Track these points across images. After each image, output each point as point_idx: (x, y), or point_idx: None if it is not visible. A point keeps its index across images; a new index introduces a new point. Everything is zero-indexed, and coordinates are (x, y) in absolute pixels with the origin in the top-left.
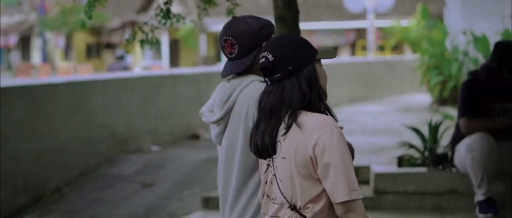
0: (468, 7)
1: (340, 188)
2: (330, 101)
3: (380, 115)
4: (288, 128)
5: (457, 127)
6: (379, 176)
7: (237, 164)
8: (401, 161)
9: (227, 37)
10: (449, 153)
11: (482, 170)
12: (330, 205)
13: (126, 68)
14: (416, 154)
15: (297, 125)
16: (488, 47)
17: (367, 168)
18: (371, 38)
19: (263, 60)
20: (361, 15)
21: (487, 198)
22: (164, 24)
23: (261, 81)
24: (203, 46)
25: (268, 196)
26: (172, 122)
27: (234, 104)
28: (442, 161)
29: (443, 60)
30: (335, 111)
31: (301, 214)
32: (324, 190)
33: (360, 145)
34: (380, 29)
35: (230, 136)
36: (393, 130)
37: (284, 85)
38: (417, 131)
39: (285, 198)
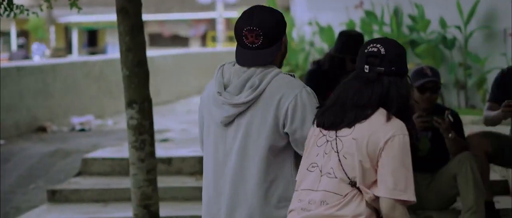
0: None
1: (393, 185)
2: (178, 91)
3: None
4: (368, 115)
5: None
6: None
7: (261, 149)
8: None
9: (253, 27)
10: None
11: None
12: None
13: None
14: None
15: (380, 117)
16: (333, 38)
17: None
18: (221, 29)
19: (375, 50)
20: (211, 6)
21: None
22: (8, 15)
23: (287, 74)
24: (53, 37)
25: (311, 170)
26: (18, 115)
27: (263, 92)
28: None
29: (290, 50)
30: (183, 102)
31: (360, 192)
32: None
33: None
34: (229, 20)
35: (254, 121)
36: None
37: (382, 80)
38: None
39: (346, 174)
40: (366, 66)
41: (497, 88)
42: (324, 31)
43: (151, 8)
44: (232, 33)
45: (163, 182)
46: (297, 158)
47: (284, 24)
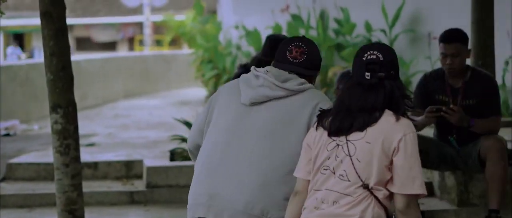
0: (239, 2)
1: (411, 182)
2: (104, 96)
3: (156, 109)
4: (378, 118)
5: None
6: (151, 170)
7: (291, 138)
8: (173, 155)
9: (302, 44)
10: None
11: None
12: (391, 194)
13: None
14: None
15: (389, 118)
16: (260, 41)
17: (140, 162)
18: (148, 33)
19: (374, 57)
20: (138, 10)
21: None
22: None
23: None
24: None
25: (323, 172)
26: None
27: (305, 91)
28: None
29: (217, 54)
30: (110, 106)
31: (372, 193)
32: (391, 178)
33: (134, 139)
34: (156, 24)
35: (291, 110)
36: (167, 124)
37: (384, 84)
38: (188, 124)
39: (359, 177)
40: (367, 73)
41: (419, 93)
42: (251, 34)
43: (78, 12)
44: (160, 37)
45: (89, 186)
46: None
47: (320, 65)
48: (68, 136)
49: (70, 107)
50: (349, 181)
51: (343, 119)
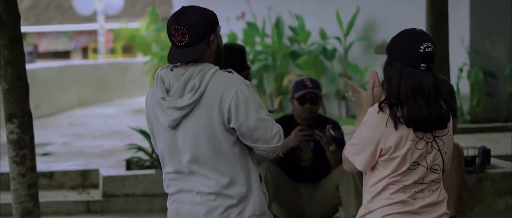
0: None
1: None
2: (59, 105)
3: (111, 117)
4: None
5: None
6: (108, 179)
7: (212, 146)
8: (129, 164)
9: (179, 27)
10: None
11: None
12: None
13: None
14: (145, 156)
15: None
16: None
17: (96, 172)
18: (102, 41)
19: (431, 50)
20: (92, 18)
21: None
22: None
23: (225, 71)
24: None
25: (412, 168)
26: None
27: (204, 91)
28: None
29: None
30: (65, 114)
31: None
32: None
33: (90, 148)
34: (111, 32)
35: (200, 121)
36: (123, 133)
37: (434, 73)
38: (144, 133)
39: (444, 167)
40: (423, 65)
41: None
42: None
43: (31, 20)
44: (115, 45)
45: (45, 196)
46: (252, 151)
47: (211, 23)
48: (24, 146)
49: (25, 117)
50: (439, 172)
51: (419, 112)
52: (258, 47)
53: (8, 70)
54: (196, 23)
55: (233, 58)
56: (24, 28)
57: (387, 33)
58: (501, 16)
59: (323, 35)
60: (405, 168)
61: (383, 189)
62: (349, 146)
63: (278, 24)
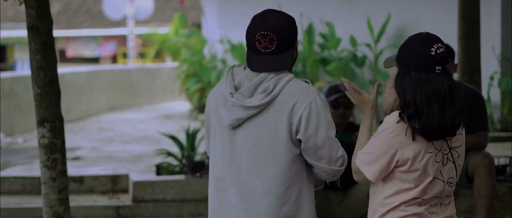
0: (224, 16)
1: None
2: (88, 109)
3: (140, 123)
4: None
5: None
6: (138, 184)
7: (273, 155)
8: (159, 169)
9: (267, 32)
10: (207, 161)
11: None
12: None
13: None
14: (175, 162)
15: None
16: (245, 55)
17: (126, 177)
18: (132, 46)
19: (443, 50)
20: (122, 23)
21: None
22: None
23: (301, 80)
24: None
25: (430, 180)
26: None
27: (277, 96)
28: (200, 168)
29: (202, 68)
30: (94, 119)
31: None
32: None
33: (119, 153)
34: (140, 37)
35: (265, 126)
36: (152, 138)
37: (448, 75)
38: (174, 138)
39: (457, 179)
40: (438, 68)
41: None
42: (236, 48)
43: (61, 24)
44: (144, 50)
45: (75, 200)
46: (309, 166)
47: (296, 29)
48: (55, 150)
49: (57, 121)
50: (453, 184)
51: (435, 120)
52: None
53: (41, 75)
54: (285, 29)
55: None
56: (54, 32)
57: None
58: None
59: (353, 42)
60: (427, 181)
61: (402, 203)
62: (361, 154)
63: (309, 30)
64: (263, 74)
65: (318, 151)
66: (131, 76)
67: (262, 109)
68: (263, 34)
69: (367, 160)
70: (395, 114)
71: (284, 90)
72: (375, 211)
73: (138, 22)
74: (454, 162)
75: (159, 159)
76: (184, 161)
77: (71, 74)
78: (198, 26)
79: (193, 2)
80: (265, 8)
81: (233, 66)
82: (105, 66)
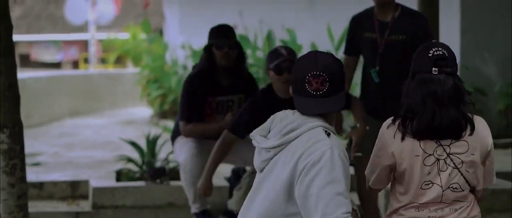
0: (186, 22)
1: (492, 176)
2: (49, 114)
3: (102, 128)
4: (470, 124)
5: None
6: (97, 191)
7: (270, 210)
8: (119, 175)
9: (320, 73)
10: (167, 167)
11: (193, 188)
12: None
13: None
14: (135, 168)
15: (478, 123)
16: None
17: (85, 183)
18: (93, 51)
19: (440, 53)
20: (84, 28)
21: (202, 210)
22: None
23: (325, 129)
24: None
25: (425, 187)
26: None
27: (291, 141)
28: (160, 174)
29: (163, 73)
30: (56, 124)
31: (474, 194)
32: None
33: (80, 159)
34: (102, 42)
35: (272, 173)
36: (113, 144)
37: (454, 78)
38: (134, 144)
39: (470, 185)
40: (435, 69)
41: (349, 38)
42: (197, 54)
43: (22, 29)
44: (105, 55)
45: (35, 207)
46: None
47: (344, 71)
48: (14, 156)
49: (16, 127)
50: (463, 190)
51: (426, 122)
52: (250, 60)
53: (0, 80)
54: (337, 70)
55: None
56: (15, 37)
57: None
58: (491, 33)
59: (314, 48)
60: (415, 186)
61: (400, 207)
62: (367, 169)
63: (269, 37)
64: (293, 117)
65: (305, 202)
66: (92, 81)
67: (277, 151)
68: (315, 75)
69: (369, 169)
70: (389, 119)
71: (301, 137)
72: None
73: (100, 28)
74: (457, 168)
75: (120, 165)
76: (144, 167)
77: (32, 79)
78: (161, 31)
79: (156, 8)
80: (225, 15)
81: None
82: (67, 71)
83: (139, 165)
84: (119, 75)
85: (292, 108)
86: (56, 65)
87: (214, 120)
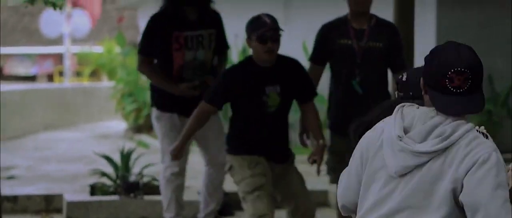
0: None
1: None
2: (25, 127)
3: (76, 142)
4: None
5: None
6: (71, 205)
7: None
8: (94, 189)
9: (464, 69)
10: (140, 181)
11: (169, 195)
12: None
13: None
14: (109, 182)
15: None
16: None
17: (60, 196)
18: (68, 64)
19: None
20: (59, 41)
21: None
22: None
23: (480, 132)
24: None
25: None
26: None
27: (453, 144)
28: (134, 188)
29: (137, 88)
30: (30, 138)
31: None
32: None
33: (54, 172)
34: (77, 55)
35: (427, 177)
36: (88, 157)
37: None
38: (108, 158)
39: None
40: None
41: (319, 44)
42: None
43: None
44: (80, 69)
45: None
46: None
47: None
48: None
49: None
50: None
51: None
52: None
53: None
54: (479, 66)
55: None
56: None
57: None
58: (467, 43)
59: None
60: None
61: None
62: None
63: (244, 52)
64: (438, 118)
65: (476, 213)
66: (67, 95)
67: (434, 156)
68: (459, 71)
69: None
70: None
71: (461, 140)
72: None
73: (75, 41)
74: None
75: (94, 179)
76: (118, 181)
77: (6, 93)
78: (135, 45)
79: (131, 21)
80: None
81: (404, 105)
82: (42, 84)
83: (113, 179)
84: (94, 89)
85: (274, 77)
86: (31, 78)
87: (183, 55)
